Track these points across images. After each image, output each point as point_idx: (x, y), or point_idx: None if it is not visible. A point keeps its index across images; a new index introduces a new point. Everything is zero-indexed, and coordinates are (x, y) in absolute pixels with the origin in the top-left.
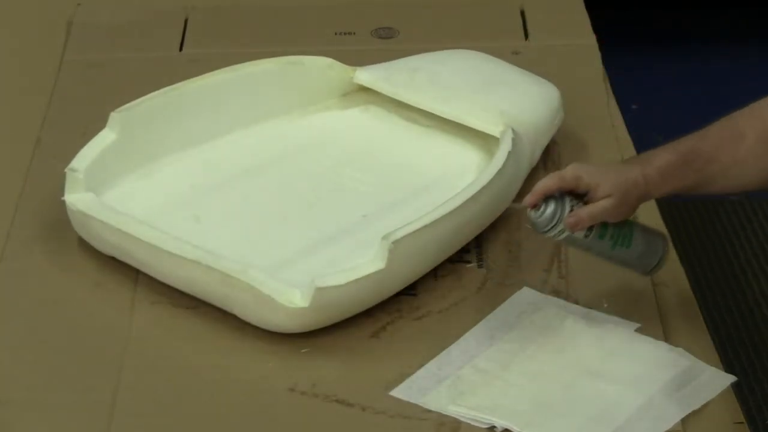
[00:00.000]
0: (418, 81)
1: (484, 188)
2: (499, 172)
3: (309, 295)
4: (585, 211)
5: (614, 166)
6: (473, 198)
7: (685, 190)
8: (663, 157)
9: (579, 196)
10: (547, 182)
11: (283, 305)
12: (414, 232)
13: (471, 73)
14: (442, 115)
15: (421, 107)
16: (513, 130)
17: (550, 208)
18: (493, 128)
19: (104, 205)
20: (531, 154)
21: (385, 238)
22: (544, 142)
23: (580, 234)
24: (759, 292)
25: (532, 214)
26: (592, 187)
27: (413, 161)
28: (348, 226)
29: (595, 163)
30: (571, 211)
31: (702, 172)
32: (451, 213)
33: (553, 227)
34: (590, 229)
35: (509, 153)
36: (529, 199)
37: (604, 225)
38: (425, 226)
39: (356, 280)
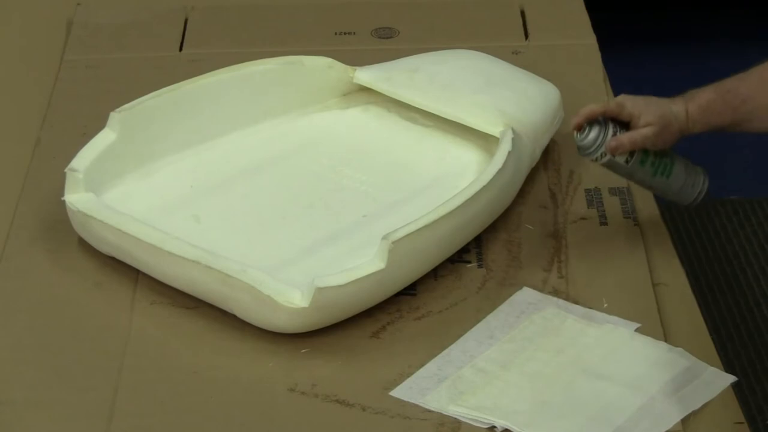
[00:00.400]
0: (417, 81)
1: (484, 188)
2: (499, 172)
3: (309, 295)
4: (626, 137)
5: (658, 99)
6: (473, 198)
7: (723, 128)
8: (704, 95)
9: (623, 124)
10: (592, 107)
11: (283, 305)
12: (414, 232)
13: (471, 73)
14: (441, 115)
15: (420, 107)
16: (513, 130)
17: (594, 131)
18: (493, 128)
19: (104, 205)
20: (531, 154)
21: (385, 238)
22: (545, 141)
23: (621, 159)
24: (759, 292)
25: (577, 136)
26: (634, 116)
27: (413, 161)
28: (348, 226)
29: (641, 95)
30: (614, 136)
31: (739, 111)
32: (451, 213)
33: (595, 150)
34: (631, 155)
35: (509, 153)
36: (574, 120)
37: (645, 153)
38: (425, 226)
39: (356, 280)
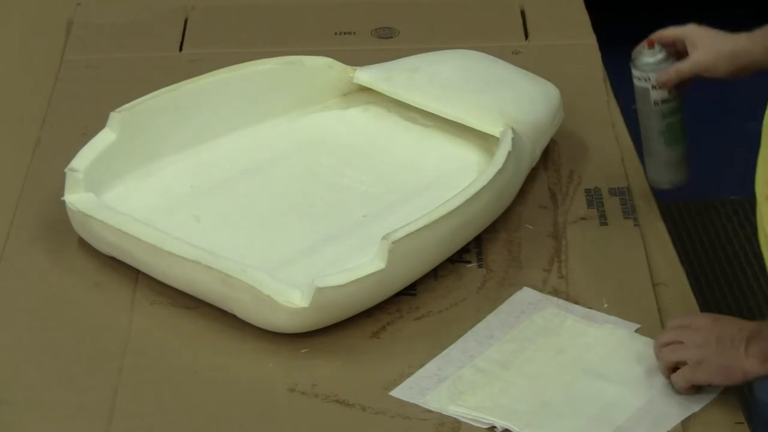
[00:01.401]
0: (417, 81)
1: (484, 188)
2: (500, 171)
3: (309, 295)
4: (674, 67)
5: (730, 38)
6: (473, 198)
7: None
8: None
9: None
10: (665, 31)
11: (283, 305)
12: (414, 232)
13: (471, 73)
14: (442, 115)
15: (421, 107)
16: (513, 130)
17: (663, 53)
18: (493, 128)
19: (104, 205)
20: (531, 154)
21: (385, 237)
22: (545, 141)
23: (661, 93)
24: (759, 292)
25: (646, 50)
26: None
27: (413, 161)
28: (348, 226)
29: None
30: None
31: None
32: (451, 213)
33: (652, 70)
34: (670, 97)
35: (509, 153)
36: (653, 36)
37: (678, 112)
38: (425, 226)
39: (356, 280)
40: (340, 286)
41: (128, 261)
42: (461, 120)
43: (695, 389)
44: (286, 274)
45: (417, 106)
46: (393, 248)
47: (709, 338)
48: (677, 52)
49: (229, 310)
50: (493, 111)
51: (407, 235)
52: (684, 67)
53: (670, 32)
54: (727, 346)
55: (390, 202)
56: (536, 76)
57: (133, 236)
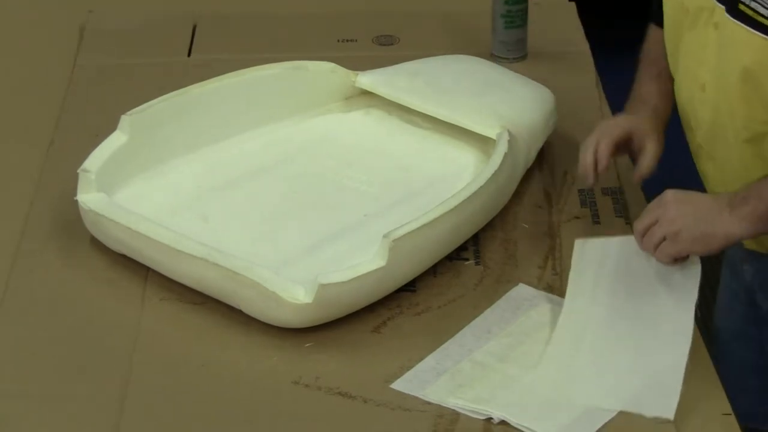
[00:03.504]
0: (417, 85)
1: (481, 188)
2: (496, 172)
3: (313, 292)
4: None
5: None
6: (471, 198)
7: None
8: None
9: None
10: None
11: (287, 301)
12: (414, 230)
13: (468, 77)
14: (440, 118)
15: (420, 110)
16: (509, 132)
17: None
18: (490, 130)
19: (115, 204)
20: (527, 155)
21: (386, 236)
22: (539, 143)
23: None
24: None
25: None
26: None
27: (413, 162)
28: (350, 225)
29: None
30: None
31: None
32: (449, 212)
33: None
34: None
35: (505, 154)
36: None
37: (523, 2)
38: (425, 225)
39: (358, 277)
40: (342, 282)
41: (138, 259)
42: (459, 122)
43: (681, 260)
44: (290, 272)
45: (416, 108)
46: (393, 246)
47: (682, 210)
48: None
49: (236, 306)
50: (490, 114)
51: (407, 234)
52: (648, 163)
53: (617, 134)
54: (705, 216)
55: (390, 202)
56: (531, 81)
57: (144, 235)
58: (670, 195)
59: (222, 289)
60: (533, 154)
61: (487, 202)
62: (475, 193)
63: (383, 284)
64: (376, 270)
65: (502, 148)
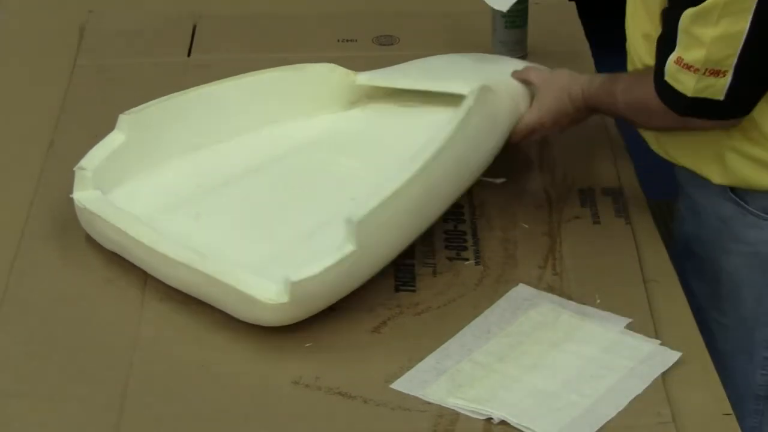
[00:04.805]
0: (411, 70)
1: (444, 147)
2: (460, 126)
3: (286, 291)
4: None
5: (563, 83)
6: (434, 158)
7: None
8: (595, 86)
9: None
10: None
11: (265, 303)
12: (378, 206)
13: (460, 62)
14: (424, 88)
15: (407, 87)
16: (485, 87)
17: None
18: (465, 88)
19: (108, 203)
20: (512, 110)
21: (348, 219)
22: (527, 98)
23: None
24: None
25: None
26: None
27: (402, 139)
28: (339, 211)
29: (554, 71)
30: None
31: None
32: (412, 178)
33: None
34: None
35: (470, 108)
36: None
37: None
38: (388, 198)
39: (330, 267)
40: (314, 276)
41: (129, 258)
42: (435, 87)
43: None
44: (281, 266)
45: (405, 87)
46: (360, 227)
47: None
48: None
49: (222, 309)
50: (469, 76)
51: (371, 211)
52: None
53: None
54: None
55: (377, 184)
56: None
57: (131, 236)
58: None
59: (205, 293)
60: (523, 107)
61: (458, 161)
62: (438, 153)
63: (360, 268)
64: (347, 256)
65: (468, 103)
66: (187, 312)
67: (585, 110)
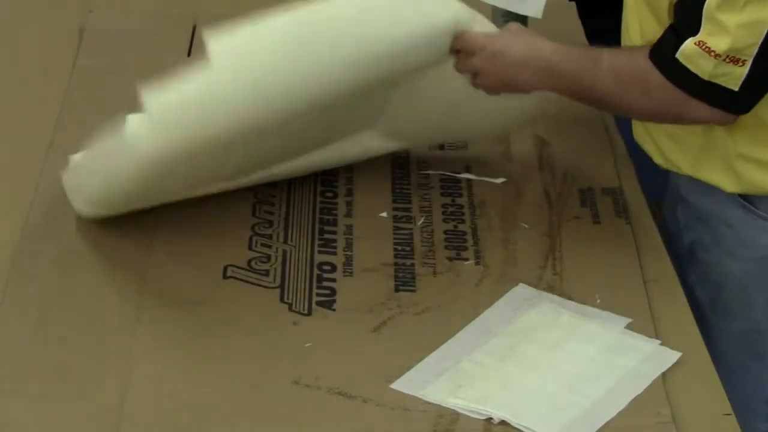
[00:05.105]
0: None
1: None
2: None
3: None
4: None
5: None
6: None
7: None
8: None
9: None
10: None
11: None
12: (240, 32)
13: None
14: None
15: None
16: None
17: None
18: None
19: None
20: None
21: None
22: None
23: None
24: None
25: None
26: None
27: None
28: None
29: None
30: None
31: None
32: (284, 15)
33: None
34: None
35: None
36: None
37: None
38: (253, 27)
39: (187, 88)
40: (171, 94)
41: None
42: None
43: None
44: None
45: None
46: (218, 47)
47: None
48: None
49: None
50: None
51: (234, 35)
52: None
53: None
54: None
55: None
56: None
57: None
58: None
59: None
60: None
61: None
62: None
63: (219, 95)
64: (203, 76)
65: None
66: (187, 312)
67: (538, 67)
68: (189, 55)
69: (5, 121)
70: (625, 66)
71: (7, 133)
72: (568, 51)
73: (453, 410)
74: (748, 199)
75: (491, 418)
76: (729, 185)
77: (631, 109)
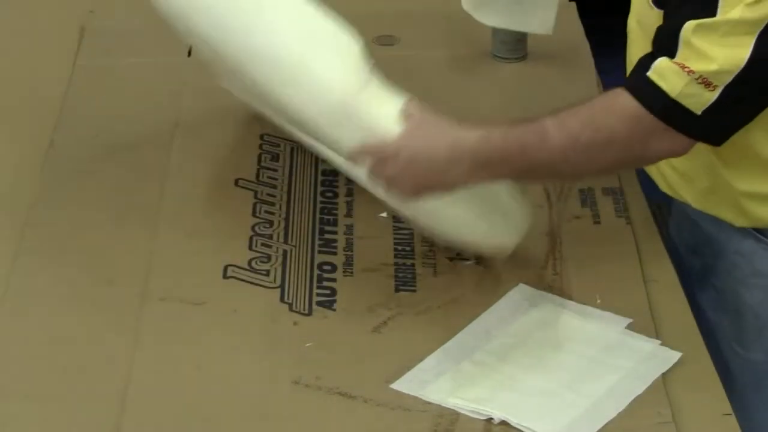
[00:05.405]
0: None
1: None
2: None
3: None
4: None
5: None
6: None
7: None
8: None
9: None
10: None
11: None
12: None
13: None
14: None
15: None
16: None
17: None
18: None
19: None
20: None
21: None
22: None
23: None
24: None
25: None
26: None
27: None
28: None
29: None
30: None
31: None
32: None
33: None
34: None
35: None
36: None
37: None
38: None
39: None
40: None
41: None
42: None
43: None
44: None
45: None
46: None
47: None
48: None
49: None
50: None
51: None
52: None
53: None
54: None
55: None
56: None
57: None
58: (404, 153)
59: None
60: None
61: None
62: None
63: None
64: None
65: None
66: (187, 313)
67: (468, 163)
68: (189, 55)
69: (6, 121)
70: (578, 123)
71: (7, 132)
72: (501, 133)
73: (453, 410)
74: (758, 229)
75: (491, 419)
76: (738, 221)
77: (591, 164)
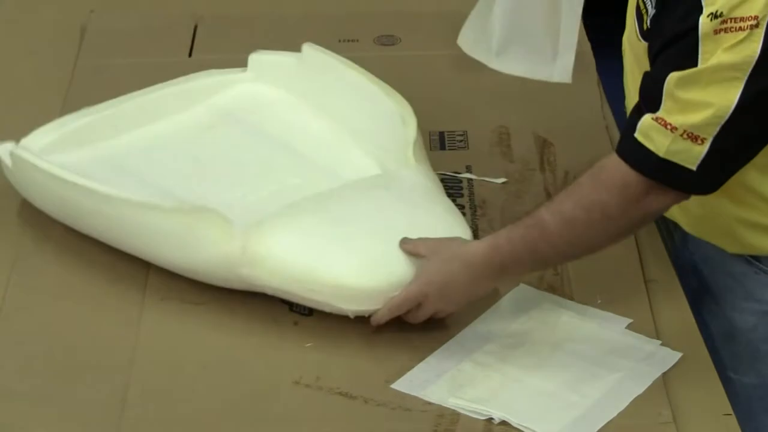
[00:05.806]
0: None
1: None
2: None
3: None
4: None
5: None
6: None
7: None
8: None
9: None
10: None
11: None
12: None
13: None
14: None
15: None
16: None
17: None
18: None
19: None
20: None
21: None
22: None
23: None
24: None
25: None
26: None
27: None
28: None
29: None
30: None
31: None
32: None
33: None
34: None
35: None
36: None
37: None
38: None
39: None
40: None
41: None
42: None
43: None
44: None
45: None
46: None
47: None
48: None
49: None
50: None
51: None
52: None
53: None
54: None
55: None
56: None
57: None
58: (431, 291)
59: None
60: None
61: None
62: None
63: None
64: None
65: None
66: (188, 313)
67: (488, 274)
68: (190, 55)
69: (6, 121)
70: (571, 205)
71: (7, 132)
72: (506, 238)
73: (453, 410)
74: (751, 255)
75: (492, 418)
76: (731, 247)
77: (599, 239)
